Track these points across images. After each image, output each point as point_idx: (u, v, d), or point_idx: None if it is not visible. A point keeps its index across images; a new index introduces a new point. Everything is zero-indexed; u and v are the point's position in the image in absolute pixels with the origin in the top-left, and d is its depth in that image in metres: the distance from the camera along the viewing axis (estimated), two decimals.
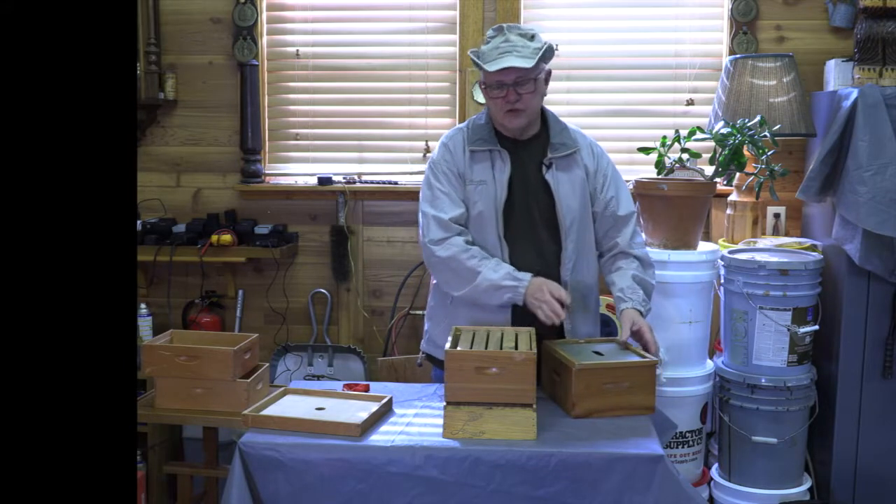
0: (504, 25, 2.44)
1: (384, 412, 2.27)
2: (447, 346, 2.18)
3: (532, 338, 2.24)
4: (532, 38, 2.43)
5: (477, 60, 2.42)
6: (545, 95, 2.54)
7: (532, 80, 2.42)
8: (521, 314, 2.45)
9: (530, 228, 2.51)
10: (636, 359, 2.34)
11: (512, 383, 2.10)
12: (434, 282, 2.63)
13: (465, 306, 2.50)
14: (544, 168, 2.51)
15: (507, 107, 2.43)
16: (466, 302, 2.48)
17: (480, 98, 3.64)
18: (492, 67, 2.37)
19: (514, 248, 2.49)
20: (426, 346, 2.69)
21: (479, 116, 2.58)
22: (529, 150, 2.53)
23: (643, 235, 2.62)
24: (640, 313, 2.44)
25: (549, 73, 2.52)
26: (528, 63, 2.36)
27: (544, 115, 2.58)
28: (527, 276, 2.40)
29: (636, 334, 2.40)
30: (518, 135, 2.52)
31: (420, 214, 2.54)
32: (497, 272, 2.40)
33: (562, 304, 2.36)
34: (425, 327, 2.69)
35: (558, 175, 2.51)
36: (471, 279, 2.42)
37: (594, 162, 2.58)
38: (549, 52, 2.45)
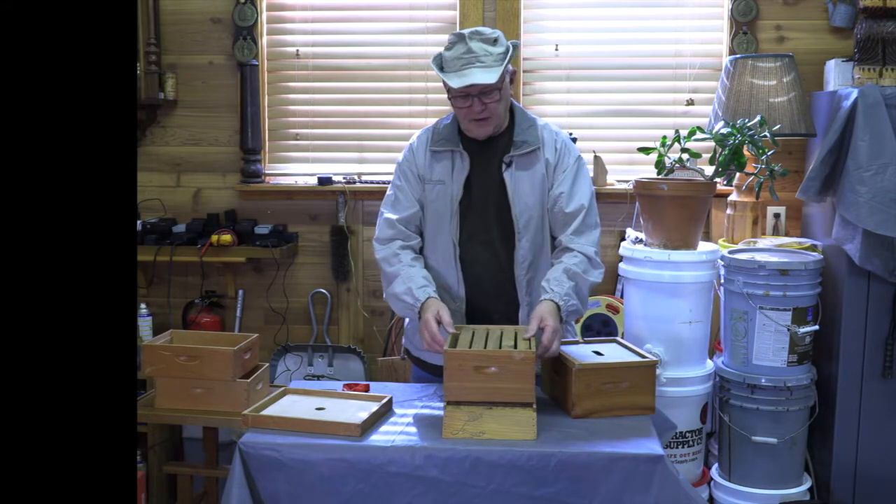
0: (465, 33, 2.38)
1: (384, 412, 2.27)
2: (446, 345, 2.18)
3: (533, 338, 2.24)
4: (495, 41, 2.38)
5: (437, 70, 2.39)
6: (511, 95, 2.53)
7: (497, 89, 2.39)
8: (474, 310, 2.47)
9: (486, 228, 2.49)
10: (636, 359, 2.34)
11: (511, 382, 2.10)
12: None
13: None
14: (504, 166, 2.48)
15: (473, 116, 2.41)
16: None
17: None
18: (456, 84, 2.33)
19: (469, 248, 2.48)
20: (405, 342, 2.71)
21: (447, 117, 2.58)
22: (493, 148, 2.50)
23: (596, 235, 2.49)
24: (558, 307, 2.32)
25: (513, 73, 2.50)
26: (492, 77, 2.33)
27: (512, 112, 2.54)
28: (423, 296, 2.36)
29: (542, 331, 2.27)
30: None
31: (379, 213, 2.59)
32: (402, 285, 2.41)
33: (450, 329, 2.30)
34: (405, 323, 2.71)
35: (517, 174, 2.47)
36: (387, 284, 2.49)
37: (555, 157, 2.50)
38: (512, 53, 2.42)
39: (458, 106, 2.42)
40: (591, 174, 3.62)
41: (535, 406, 2.12)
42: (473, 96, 2.38)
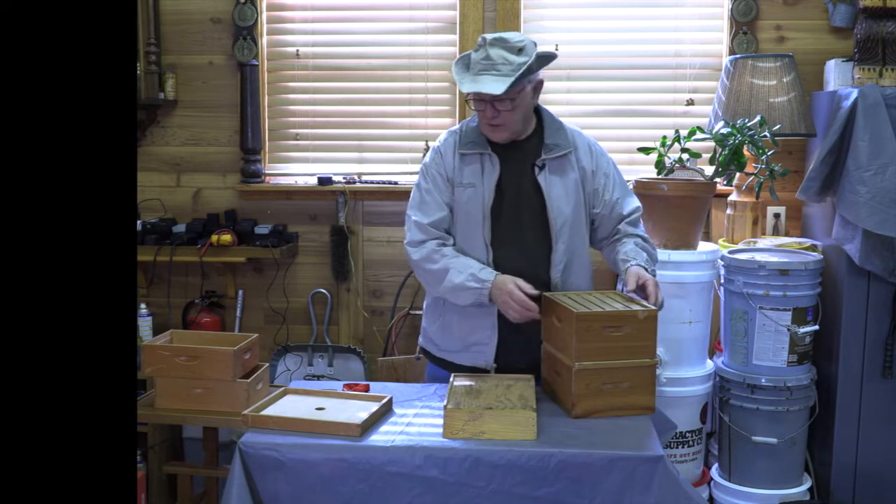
0: (489, 38, 2.37)
1: (384, 412, 2.27)
2: (575, 310, 2.23)
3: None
4: (519, 51, 2.35)
5: (455, 71, 2.40)
6: (535, 102, 2.51)
7: (510, 99, 2.38)
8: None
9: (518, 231, 2.50)
10: (636, 360, 2.34)
11: (636, 340, 2.23)
12: None
13: (455, 310, 2.50)
14: (536, 169, 2.49)
15: (486, 121, 2.43)
16: (455, 305, 2.49)
17: None
18: (464, 88, 2.35)
19: (501, 251, 2.48)
20: (423, 342, 2.70)
21: (473, 119, 2.56)
22: (523, 151, 2.51)
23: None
24: (646, 270, 2.41)
25: (539, 82, 2.47)
26: (500, 88, 2.30)
27: (540, 115, 2.56)
28: (490, 276, 2.38)
29: (641, 288, 2.35)
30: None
31: (406, 216, 2.56)
32: (461, 274, 2.40)
33: (533, 299, 2.34)
34: (423, 324, 2.70)
35: (550, 177, 2.49)
36: (440, 279, 2.44)
37: (593, 162, 2.55)
38: (542, 62, 2.41)
39: (474, 108, 2.45)
40: None
41: (535, 406, 2.12)
42: (487, 101, 2.39)
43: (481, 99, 2.38)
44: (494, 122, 2.42)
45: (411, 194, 2.57)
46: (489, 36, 2.38)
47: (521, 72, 2.34)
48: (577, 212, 2.52)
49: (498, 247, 2.48)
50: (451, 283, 2.41)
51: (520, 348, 2.49)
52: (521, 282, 2.36)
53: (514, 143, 2.51)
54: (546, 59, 2.44)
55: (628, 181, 3.35)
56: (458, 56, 3.61)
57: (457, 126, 2.61)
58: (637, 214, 2.60)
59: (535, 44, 2.42)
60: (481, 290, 2.37)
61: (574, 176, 2.51)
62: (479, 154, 2.49)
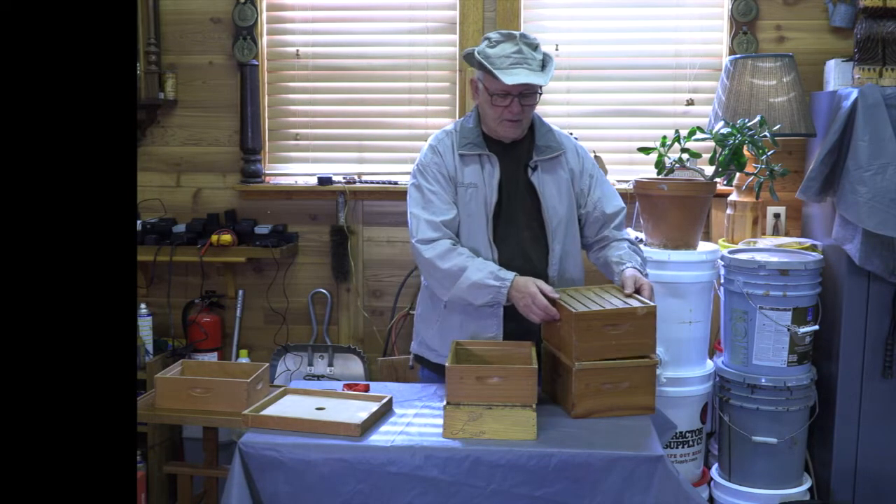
0: (516, 33, 2.42)
1: (384, 412, 2.27)
2: (574, 310, 2.23)
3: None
4: (536, 48, 2.44)
5: (487, 65, 2.38)
6: None
7: (537, 93, 2.45)
8: (512, 316, 2.42)
9: (517, 231, 2.51)
10: (636, 360, 2.34)
11: (634, 338, 2.25)
12: (425, 283, 2.61)
13: (458, 311, 2.49)
14: (529, 170, 2.51)
15: (509, 117, 2.44)
16: (459, 306, 2.47)
17: None
18: (510, 80, 2.35)
19: (501, 250, 2.49)
20: (418, 349, 2.67)
21: (467, 119, 2.57)
22: (516, 152, 2.53)
23: (636, 234, 2.64)
24: (641, 273, 2.44)
25: None
26: (543, 80, 2.40)
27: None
28: (510, 275, 2.36)
29: (637, 291, 2.37)
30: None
31: (409, 216, 2.52)
32: (481, 271, 2.37)
33: (552, 301, 2.31)
34: (416, 328, 2.68)
35: (543, 177, 2.52)
36: (455, 277, 2.39)
37: (579, 163, 2.59)
38: (552, 62, 2.48)
39: (496, 104, 2.44)
40: None
41: (535, 406, 2.12)
42: (514, 96, 2.41)
43: (507, 94, 2.40)
44: (518, 118, 2.44)
45: (410, 194, 2.55)
46: (514, 32, 2.43)
47: (551, 67, 2.42)
48: (570, 212, 2.56)
49: (499, 246, 2.49)
50: (469, 280, 2.36)
51: None
52: (542, 284, 2.33)
53: (506, 144, 2.53)
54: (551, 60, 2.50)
55: (628, 181, 3.36)
56: (457, 56, 3.58)
57: (450, 126, 2.61)
58: (622, 216, 2.62)
59: None
60: (500, 288, 2.34)
61: (565, 177, 2.55)
62: (479, 155, 2.50)
